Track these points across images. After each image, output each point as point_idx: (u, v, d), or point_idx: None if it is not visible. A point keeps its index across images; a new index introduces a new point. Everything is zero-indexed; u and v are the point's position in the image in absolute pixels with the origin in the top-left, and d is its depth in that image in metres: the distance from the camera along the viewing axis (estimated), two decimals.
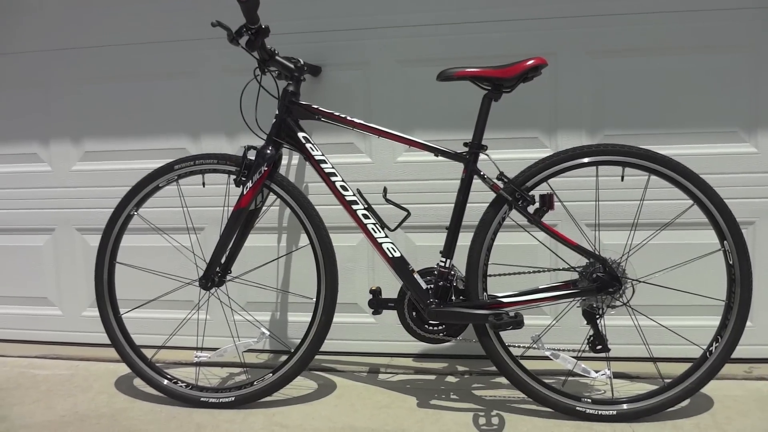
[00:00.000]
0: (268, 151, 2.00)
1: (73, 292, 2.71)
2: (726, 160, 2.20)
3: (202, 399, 2.05)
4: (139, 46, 2.53)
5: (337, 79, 2.40)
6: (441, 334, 1.96)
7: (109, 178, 2.59)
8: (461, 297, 1.94)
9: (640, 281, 1.87)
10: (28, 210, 2.70)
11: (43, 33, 2.60)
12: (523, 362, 1.93)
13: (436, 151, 1.93)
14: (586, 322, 1.87)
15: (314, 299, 2.02)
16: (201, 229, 2.52)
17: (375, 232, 1.96)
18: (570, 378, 2.07)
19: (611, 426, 1.82)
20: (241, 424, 1.91)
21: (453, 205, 1.92)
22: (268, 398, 2.05)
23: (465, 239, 1.92)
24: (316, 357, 2.05)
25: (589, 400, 1.88)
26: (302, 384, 2.20)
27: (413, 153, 2.31)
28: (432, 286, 1.93)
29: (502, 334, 1.91)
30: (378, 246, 1.96)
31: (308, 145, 2.03)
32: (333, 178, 2.00)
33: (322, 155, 2.03)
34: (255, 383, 2.04)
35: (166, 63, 2.52)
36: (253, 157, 2.01)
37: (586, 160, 1.85)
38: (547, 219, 1.86)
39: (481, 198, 1.94)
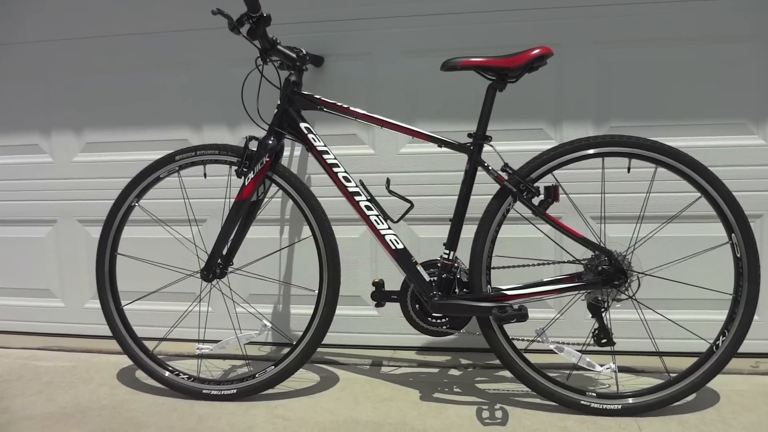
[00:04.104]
0: (270, 142, 1.99)
1: (75, 283, 2.70)
2: (734, 152, 2.17)
3: (204, 391, 2.04)
4: (141, 36, 2.51)
5: (340, 70, 2.38)
6: (444, 327, 1.94)
7: (111, 170, 2.58)
8: (465, 290, 1.92)
9: (645, 274, 1.84)
10: (29, 201, 2.70)
11: (45, 23, 2.59)
12: (527, 356, 1.91)
13: (440, 142, 1.91)
14: (591, 315, 1.85)
15: (316, 291, 2.01)
16: (203, 221, 2.50)
17: (378, 224, 1.94)
18: (574, 372, 2.05)
19: (616, 420, 1.80)
20: (243, 417, 1.90)
21: (457, 196, 1.90)
22: (270, 391, 2.04)
23: (469, 231, 1.90)
24: (319, 349, 2.04)
25: (594, 394, 1.86)
26: (304, 377, 2.19)
27: (417, 144, 2.29)
28: (435, 278, 1.92)
29: (506, 327, 1.90)
30: (381, 238, 1.94)
31: (310, 136, 2.01)
32: (335, 169, 1.98)
33: (325, 146, 2.01)
34: (257, 376, 2.03)
35: (168, 53, 2.50)
36: (254, 148, 1.99)
37: (591, 151, 1.83)
38: (552, 211, 1.84)
39: (485, 190, 1.92)
